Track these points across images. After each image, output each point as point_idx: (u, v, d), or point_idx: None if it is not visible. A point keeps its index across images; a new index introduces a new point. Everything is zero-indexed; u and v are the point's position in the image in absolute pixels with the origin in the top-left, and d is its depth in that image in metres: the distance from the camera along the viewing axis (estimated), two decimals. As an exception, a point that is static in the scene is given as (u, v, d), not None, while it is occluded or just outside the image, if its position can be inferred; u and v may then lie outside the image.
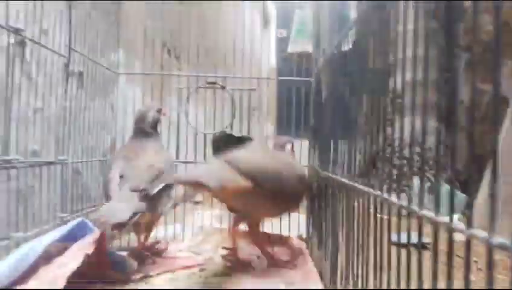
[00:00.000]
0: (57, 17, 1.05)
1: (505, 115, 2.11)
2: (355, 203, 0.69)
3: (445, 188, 1.81)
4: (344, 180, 0.77)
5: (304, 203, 1.40)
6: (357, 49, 0.74)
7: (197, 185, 0.91)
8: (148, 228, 1.19)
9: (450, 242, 0.34)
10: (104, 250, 0.94)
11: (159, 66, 1.87)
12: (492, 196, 0.29)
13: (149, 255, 1.14)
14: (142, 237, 1.19)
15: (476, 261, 1.41)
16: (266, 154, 1.09)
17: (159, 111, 1.27)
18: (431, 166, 2.47)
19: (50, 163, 1.04)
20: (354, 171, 0.74)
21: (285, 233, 1.39)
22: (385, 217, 0.54)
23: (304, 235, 1.41)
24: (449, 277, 0.34)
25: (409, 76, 0.45)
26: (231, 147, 1.07)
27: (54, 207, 1.05)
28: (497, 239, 0.29)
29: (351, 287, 0.71)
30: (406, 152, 2.01)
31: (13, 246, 0.88)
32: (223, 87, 1.48)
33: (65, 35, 1.09)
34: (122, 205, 0.94)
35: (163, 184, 1.07)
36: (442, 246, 0.38)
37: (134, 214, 0.92)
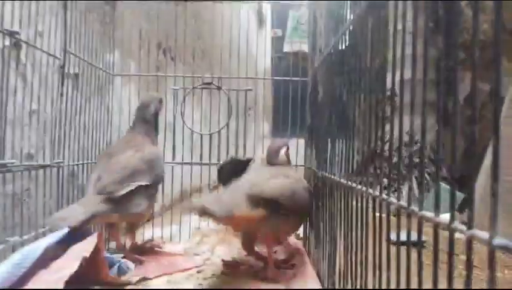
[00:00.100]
0: (52, 19, 1.04)
1: (499, 114, 2.12)
2: (353, 203, 0.69)
3: (441, 186, 1.82)
4: (341, 180, 0.77)
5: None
6: (353, 48, 0.74)
7: (204, 213, 0.89)
8: (130, 228, 1.19)
9: (451, 243, 0.34)
10: (102, 253, 0.93)
11: (154, 67, 1.86)
12: (494, 196, 0.29)
13: (142, 260, 1.14)
14: (128, 238, 1.20)
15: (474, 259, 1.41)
16: (277, 173, 1.07)
17: (161, 102, 1.30)
18: (428, 164, 2.48)
19: (45, 166, 1.03)
20: (350, 171, 0.74)
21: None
22: (383, 215, 0.54)
23: (302, 235, 1.41)
24: (449, 279, 0.34)
25: (406, 75, 0.45)
26: (238, 173, 1.06)
27: (50, 210, 1.04)
28: (499, 240, 0.28)
29: (349, 287, 0.71)
30: (403, 151, 2.01)
31: (9, 250, 0.87)
32: (218, 88, 1.48)
33: (60, 37, 1.08)
34: (79, 208, 0.95)
35: (133, 186, 1.06)
36: (441, 244, 0.38)
37: (93, 216, 0.95)
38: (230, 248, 1.30)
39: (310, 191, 1.12)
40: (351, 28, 0.79)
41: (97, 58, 1.31)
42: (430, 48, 0.43)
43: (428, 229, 0.39)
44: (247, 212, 0.93)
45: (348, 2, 0.80)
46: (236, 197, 0.95)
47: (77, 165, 1.20)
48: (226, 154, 1.46)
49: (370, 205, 0.60)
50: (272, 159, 1.19)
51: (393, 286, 0.48)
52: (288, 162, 1.23)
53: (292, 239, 1.39)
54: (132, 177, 1.08)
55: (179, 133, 1.45)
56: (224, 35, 1.61)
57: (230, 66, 1.54)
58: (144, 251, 1.21)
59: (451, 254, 0.34)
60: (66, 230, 0.93)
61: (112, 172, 1.07)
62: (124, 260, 1.07)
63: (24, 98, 0.95)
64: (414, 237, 0.42)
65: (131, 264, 1.08)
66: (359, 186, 0.64)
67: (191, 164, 1.48)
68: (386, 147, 0.53)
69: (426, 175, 2.64)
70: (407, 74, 0.46)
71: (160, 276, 1.04)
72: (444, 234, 0.37)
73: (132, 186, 1.06)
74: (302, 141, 1.46)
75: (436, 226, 0.38)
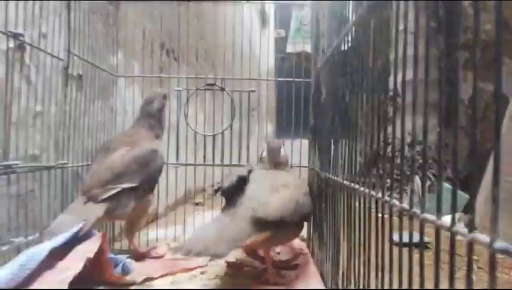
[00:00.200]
0: (55, 20, 1.04)
1: (503, 113, 2.12)
2: (356, 205, 0.69)
3: (444, 186, 1.82)
4: (344, 181, 0.77)
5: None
6: (356, 49, 0.74)
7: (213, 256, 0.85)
8: (128, 229, 1.20)
9: (452, 246, 0.34)
10: (106, 253, 0.94)
11: (158, 68, 1.87)
12: (494, 199, 0.29)
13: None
14: (127, 240, 1.21)
15: (476, 260, 1.41)
16: (277, 182, 1.04)
17: (165, 98, 1.30)
18: (431, 165, 2.47)
19: (50, 167, 1.04)
20: (353, 172, 0.74)
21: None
22: (386, 215, 0.54)
23: (305, 236, 1.41)
24: (451, 281, 0.34)
25: (409, 75, 0.45)
26: (242, 189, 1.01)
27: (55, 211, 1.05)
28: (500, 244, 0.29)
29: (352, 288, 0.71)
30: (406, 151, 2.00)
31: (14, 251, 0.88)
32: (222, 89, 1.48)
33: (64, 38, 1.09)
34: (67, 219, 0.95)
35: (116, 189, 1.04)
36: (443, 245, 0.38)
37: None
38: (234, 249, 1.30)
39: (311, 194, 1.12)
40: (353, 28, 0.79)
41: (101, 59, 1.31)
42: (432, 48, 0.43)
43: (432, 230, 0.39)
44: (253, 239, 0.90)
45: (351, 2, 0.80)
46: (240, 225, 0.90)
47: (81, 166, 1.21)
48: (229, 155, 1.46)
49: (373, 207, 0.60)
50: (274, 159, 1.18)
51: (395, 286, 0.48)
52: (287, 161, 1.23)
53: (296, 240, 1.39)
54: (118, 179, 1.06)
55: (183, 134, 1.45)
56: (227, 36, 1.62)
57: (233, 66, 1.54)
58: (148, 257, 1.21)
59: (452, 256, 0.34)
60: (70, 231, 0.93)
61: (96, 173, 1.06)
62: (128, 260, 1.07)
63: (28, 99, 0.95)
64: (417, 238, 0.42)
65: (135, 264, 1.08)
66: (362, 188, 0.64)
67: (194, 165, 1.49)
68: (389, 148, 0.53)
69: (431, 176, 2.63)
70: (410, 75, 0.46)
71: (164, 276, 1.05)
72: (446, 235, 0.37)
73: (115, 189, 1.04)
74: (305, 142, 1.46)
75: (438, 229, 0.38)
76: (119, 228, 1.41)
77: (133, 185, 1.09)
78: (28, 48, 0.96)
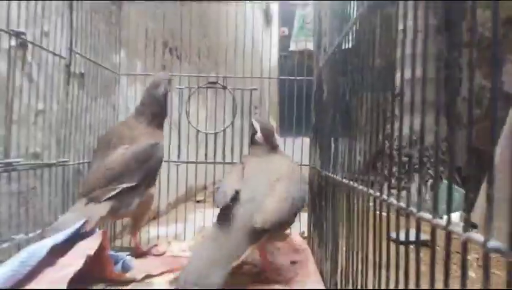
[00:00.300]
0: (57, 19, 1.05)
1: (508, 111, 2.10)
2: (355, 203, 0.69)
3: (445, 184, 1.82)
4: (344, 180, 0.77)
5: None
6: (359, 47, 0.74)
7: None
8: (132, 226, 1.20)
9: (447, 245, 0.34)
10: (106, 251, 0.94)
11: (160, 66, 1.87)
12: (489, 200, 0.29)
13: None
14: (131, 236, 1.21)
15: (477, 259, 1.41)
16: (271, 175, 1.01)
17: (170, 82, 1.29)
18: (432, 163, 2.46)
19: (51, 165, 1.04)
20: (354, 171, 0.74)
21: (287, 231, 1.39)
22: (384, 213, 0.54)
23: (306, 234, 1.41)
24: (446, 280, 0.34)
25: (410, 73, 0.45)
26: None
27: (56, 209, 1.05)
28: (494, 243, 0.28)
29: (350, 287, 0.71)
30: (407, 149, 1.99)
31: (14, 248, 0.88)
32: (224, 87, 1.48)
33: (66, 36, 1.09)
34: (72, 217, 0.95)
35: (117, 190, 1.04)
36: (443, 242, 0.38)
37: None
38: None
39: (303, 179, 1.10)
40: (354, 27, 0.78)
41: (103, 57, 1.32)
42: (435, 47, 0.43)
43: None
44: (254, 246, 0.89)
45: (352, 1, 0.80)
46: (237, 238, 0.88)
47: (83, 164, 1.21)
48: (231, 153, 1.46)
49: (372, 205, 0.60)
50: (270, 141, 1.17)
51: (392, 284, 0.48)
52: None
53: (297, 237, 1.39)
54: (119, 179, 1.06)
55: (184, 132, 1.46)
56: (229, 34, 1.62)
57: (235, 65, 1.54)
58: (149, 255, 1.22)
59: (447, 255, 0.34)
60: (71, 228, 0.94)
61: (96, 174, 1.06)
62: (128, 258, 1.07)
63: (30, 97, 0.96)
64: (419, 238, 0.42)
65: (135, 262, 1.09)
66: (360, 187, 0.64)
67: (196, 162, 1.49)
68: (393, 144, 0.53)
69: (432, 174, 2.63)
70: (408, 74, 0.46)
71: (164, 273, 1.05)
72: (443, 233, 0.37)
73: (116, 190, 1.04)
74: (307, 140, 1.46)
75: (434, 228, 0.38)
76: (120, 226, 1.42)
77: (134, 183, 1.09)
78: (30, 45, 0.97)
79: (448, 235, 0.34)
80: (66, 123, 1.11)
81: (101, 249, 0.91)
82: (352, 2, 0.80)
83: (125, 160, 1.09)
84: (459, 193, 2.12)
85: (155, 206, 1.63)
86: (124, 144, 1.13)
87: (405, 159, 1.95)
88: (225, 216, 0.93)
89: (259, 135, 1.19)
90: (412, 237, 0.40)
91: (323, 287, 0.97)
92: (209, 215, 1.43)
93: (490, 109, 0.33)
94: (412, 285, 0.43)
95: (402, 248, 0.48)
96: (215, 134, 1.51)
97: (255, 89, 1.51)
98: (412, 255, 0.43)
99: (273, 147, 1.18)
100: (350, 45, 0.84)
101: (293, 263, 1.15)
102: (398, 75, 0.57)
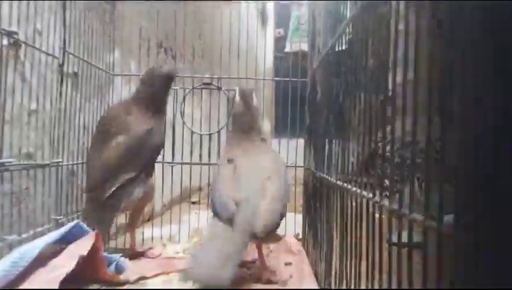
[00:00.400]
0: (51, 17, 1.04)
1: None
2: (348, 205, 0.69)
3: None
4: (337, 181, 0.78)
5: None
6: (352, 48, 0.74)
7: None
8: (131, 223, 1.20)
9: (439, 246, 0.34)
10: (99, 252, 0.93)
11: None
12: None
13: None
14: (128, 232, 1.22)
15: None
16: (262, 173, 1.01)
17: (176, 71, 1.27)
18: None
19: (44, 165, 1.03)
20: (347, 172, 0.74)
21: (281, 232, 1.39)
22: (382, 216, 0.54)
23: (301, 235, 1.41)
24: (438, 281, 0.34)
25: (407, 75, 0.45)
26: None
27: (49, 209, 1.05)
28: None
29: (344, 288, 0.71)
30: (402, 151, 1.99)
31: (7, 248, 0.87)
32: (218, 88, 1.48)
33: (59, 36, 1.09)
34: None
35: (117, 185, 1.05)
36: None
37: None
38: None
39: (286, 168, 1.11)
40: (347, 28, 0.79)
41: (97, 57, 1.31)
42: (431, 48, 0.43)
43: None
44: (251, 248, 0.92)
45: (347, 1, 0.80)
46: (237, 242, 0.89)
47: (76, 164, 1.20)
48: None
49: (364, 207, 0.60)
50: (249, 105, 1.15)
51: (385, 286, 0.48)
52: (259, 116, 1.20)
53: (291, 239, 1.39)
54: (117, 172, 1.06)
55: (179, 133, 1.45)
56: (224, 34, 1.61)
57: (230, 65, 1.54)
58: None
59: (440, 258, 0.35)
60: (64, 229, 0.93)
61: (95, 171, 1.07)
62: (122, 259, 1.07)
63: (23, 97, 0.95)
64: (415, 238, 0.42)
65: (129, 263, 1.08)
66: (354, 188, 0.64)
67: (190, 163, 1.49)
68: (387, 146, 0.53)
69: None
70: (401, 75, 0.46)
71: (158, 275, 1.04)
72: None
73: (115, 186, 1.05)
74: (302, 142, 1.46)
75: (426, 229, 0.38)
76: (114, 227, 1.41)
77: (133, 174, 1.08)
78: (22, 44, 0.96)
79: (439, 237, 0.34)
80: (60, 123, 1.10)
81: (94, 250, 0.90)
82: (345, 2, 0.81)
83: (120, 152, 1.08)
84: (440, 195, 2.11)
85: (149, 208, 1.63)
86: (119, 132, 1.11)
87: (398, 160, 1.94)
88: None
89: (237, 98, 1.17)
90: (400, 239, 0.40)
91: (318, 288, 0.97)
92: (203, 216, 1.43)
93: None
94: (404, 286, 0.43)
95: (397, 250, 0.48)
96: (210, 135, 1.51)
97: (250, 90, 1.51)
98: (399, 257, 0.44)
99: (253, 117, 1.16)
100: (343, 46, 0.84)
101: (288, 264, 1.15)
102: (391, 77, 0.57)
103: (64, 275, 0.79)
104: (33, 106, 1.01)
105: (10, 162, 0.89)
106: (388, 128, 0.53)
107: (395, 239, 0.48)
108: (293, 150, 1.54)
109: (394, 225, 0.47)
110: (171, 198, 1.92)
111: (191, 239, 1.41)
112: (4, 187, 0.89)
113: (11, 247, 0.88)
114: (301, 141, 1.46)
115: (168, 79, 1.23)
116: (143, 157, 1.12)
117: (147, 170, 1.14)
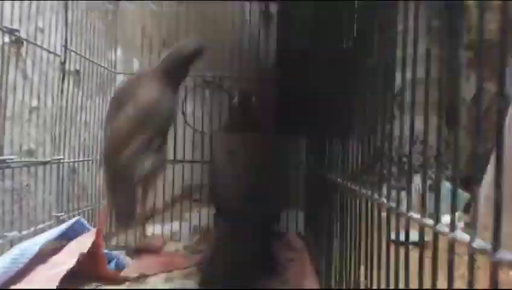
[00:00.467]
0: (52, 16, 1.04)
1: (506, 113, 2.10)
2: (348, 203, 0.69)
3: (446, 186, 1.81)
4: (338, 179, 0.77)
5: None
6: (358, 47, 0.74)
7: None
8: (143, 196, 1.19)
9: (435, 245, 0.34)
10: (100, 249, 0.94)
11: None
12: (471, 202, 0.28)
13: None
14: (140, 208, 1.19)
15: (475, 260, 1.40)
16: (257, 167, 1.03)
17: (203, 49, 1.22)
18: (432, 164, 2.46)
19: (45, 162, 1.04)
20: (349, 171, 0.73)
21: (283, 230, 1.39)
22: (383, 214, 0.54)
23: (303, 233, 1.41)
24: (433, 280, 0.34)
25: (410, 74, 0.44)
26: None
27: (50, 206, 1.05)
28: (479, 243, 0.28)
29: (344, 287, 0.71)
30: (407, 150, 1.97)
31: (7, 245, 0.88)
32: (220, 87, 1.47)
33: (61, 33, 1.09)
34: None
35: (133, 149, 1.04)
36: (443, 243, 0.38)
37: None
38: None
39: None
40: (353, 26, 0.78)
41: (99, 55, 1.31)
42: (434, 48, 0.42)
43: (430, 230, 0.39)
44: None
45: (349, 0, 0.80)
46: (247, 230, 0.91)
47: (78, 162, 1.21)
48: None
49: (367, 208, 0.59)
50: (249, 108, 1.15)
51: (383, 284, 0.48)
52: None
53: (293, 237, 1.38)
54: (129, 140, 1.05)
55: (181, 131, 1.45)
56: (227, 33, 1.61)
57: (232, 64, 1.54)
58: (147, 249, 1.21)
59: (435, 256, 0.34)
60: (64, 225, 0.94)
61: (109, 142, 1.08)
62: (122, 256, 1.07)
63: (24, 94, 0.95)
64: (415, 236, 0.42)
65: (129, 261, 1.08)
66: (353, 186, 0.64)
67: (191, 162, 1.49)
68: (392, 145, 0.52)
69: (432, 175, 2.62)
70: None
71: (158, 273, 1.05)
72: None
73: (127, 155, 1.03)
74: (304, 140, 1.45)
75: (422, 227, 0.38)
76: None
77: (147, 136, 1.06)
78: (24, 42, 0.96)
79: (436, 236, 0.34)
80: (61, 120, 1.10)
81: (94, 247, 0.90)
82: (348, 1, 0.80)
83: (128, 126, 1.07)
84: (458, 194, 2.10)
85: (150, 205, 1.63)
86: (130, 103, 1.09)
87: (403, 159, 1.95)
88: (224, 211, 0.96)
89: (236, 101, 1.15)
90: (398, 238, 0.40)
91: (319, 287, 0.97)
92: (204, 215, 1.42)
93: (489, 111, 0.33)
94: (401, 285, 0.43)
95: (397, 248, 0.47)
96: (211, 133, 1.50)
97: (251, 89, 1.50)
98: (397, 256, 0.43)
99: (253, 118, 1.15)
100: (347, 45, 0.83)
101: (289, 261, 1.14)
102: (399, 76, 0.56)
103: (65, 272, 0.79)
104: (34, 103, 1.01)
105: (11, 159, 0.89)
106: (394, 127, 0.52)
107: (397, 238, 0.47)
108: (294, 149, 1.53)
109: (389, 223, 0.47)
110: (172, 196, 1.92)
111: (192, 237, 1.41)
112: (5, 184, 0.90)
113: (11, 244, 0.88)
114: (303, 140, 1.45)
115: (196, 55, 1.21)
116: (152, 130, 1.09)
117: (158, 141, 1.12)
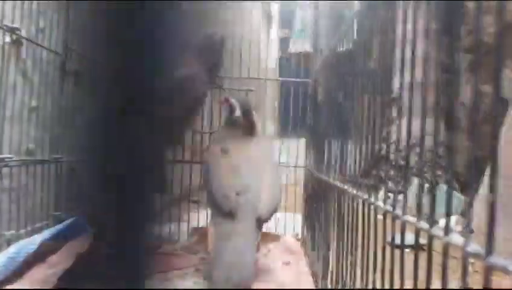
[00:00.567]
0: (53, 15, 1.04)
1: (505, 117, 2.09)
2: (345, 205, 0.69)
3: (443, 189, 1.81)
4: (334, 182, 0.77)
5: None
6: (357, 50, 0.74)
7: None
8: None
9: (429, 248, 0.34)
10: (98, 249, 0.94)
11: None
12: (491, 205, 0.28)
13: None
14: None
15: (472, 263, 1.40)
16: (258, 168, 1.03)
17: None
18: (429, 168, 2.46)
19: (44, 161, 1.04)
20: (346, 173, 0.73)
21: (280, 232, 1.39)
22: (379, 217, 0.53)
23: (300, 236, 1.41)
24: (427, 283, 0.34)
25: (408, 77, 0.44)
26: None
27: (48, 206, 1.05)
28: (473, 247, 0.28)
29: (340, 288, 0.71)
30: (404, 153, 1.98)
31: (5, 244, 0.88)
32: (220, 87, 1.48)
33: (62, 33, 1.09)
34: None
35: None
36: (437, 247, 0.38)
37: None
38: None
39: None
40: (351, 29, 0.78)
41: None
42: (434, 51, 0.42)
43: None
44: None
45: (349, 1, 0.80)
46: (248, 228, 0.91)
47: (77, 161, 1.21)
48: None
49: (360, 208, 0.59)
50: (250, 120, 1.14)
51: (378, 286, 0.48)
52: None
53: (290, 239, 1.38)
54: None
55: (180, 131, 1.45)
56: (228, 34, 1.61)
57: (233, 65, 1.54)
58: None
59: (429, 259, 0.34)
60: (62, 225, 0.94)
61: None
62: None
63: (24, 93, 0.96)
64: (410, 240, 0.42)
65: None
66: (350, 189, 0.64)
67: (191, 162, 1.49)
68: (390, 148, 0.52)
69: (429, 178, 2.61)
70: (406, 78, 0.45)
71: (156, 273, 1.04)
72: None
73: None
74: (304, 142, 1.45)
75: (417, 231, 0.38)
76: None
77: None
78: (24, 41, 0.96)
79: (430, 239, 0.34)
80: (60, 120, 1.10)
81: (92, 247, 0.90)
82: (349, 2, 0.80)
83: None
84: (455, 197, 2.13)
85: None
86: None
87: (401, 163, 1.93)
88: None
89: (238, 114, 1.14)
90: (394, 241, 0.40)
91: (315, 288, 0.97)
92: (203, 216, 1.42)
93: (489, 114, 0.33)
94: (396, 286, 0.43)
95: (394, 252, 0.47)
96: (211, 134, 1.50)
97: (251, 90, 1.51)
98: (392, 258, 0.44)
99: (252, 127, 1.14)
100: (346, 47, 0.83)
101: (286, 264, 1.14)
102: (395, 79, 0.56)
103: (62, 273, 0.79)
104: (34, 102, 1.01)
105: (10, 157, 0.89)
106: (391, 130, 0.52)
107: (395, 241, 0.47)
108: (294, 150, 1.53)
109: (385, 226, 0.47)
110: (171, 197, 1.92)
111: (190, 237, 1.41)
112: (3, 183, 0.90)
113: (9, 242, 0.88)
114: (303, 141, 1.46)
115: (221, 45, 1.23)
116: (180, 108, 1.10)
117: (187, 119, 1.15)
